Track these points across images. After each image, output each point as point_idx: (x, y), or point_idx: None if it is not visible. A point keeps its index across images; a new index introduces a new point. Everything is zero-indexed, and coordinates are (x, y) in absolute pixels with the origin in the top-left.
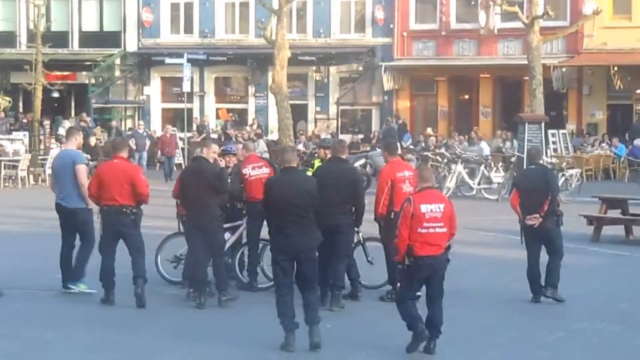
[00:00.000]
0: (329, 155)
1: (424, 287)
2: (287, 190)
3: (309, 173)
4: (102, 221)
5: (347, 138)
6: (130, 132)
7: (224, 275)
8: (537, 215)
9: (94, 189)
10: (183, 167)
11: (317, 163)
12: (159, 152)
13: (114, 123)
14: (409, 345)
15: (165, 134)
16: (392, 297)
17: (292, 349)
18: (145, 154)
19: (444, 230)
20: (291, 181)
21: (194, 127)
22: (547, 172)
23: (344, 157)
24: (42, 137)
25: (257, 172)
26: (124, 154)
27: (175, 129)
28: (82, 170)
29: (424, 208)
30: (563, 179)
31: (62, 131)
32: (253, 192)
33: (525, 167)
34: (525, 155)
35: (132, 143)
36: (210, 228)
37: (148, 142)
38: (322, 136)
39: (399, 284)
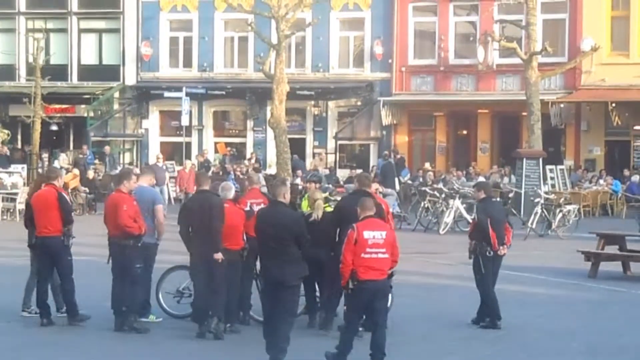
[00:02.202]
0: (315, 190)
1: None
2: (267, 223)
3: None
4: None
5: (345, 173)
6: (148, 167)
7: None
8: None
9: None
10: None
11: (304, 203)
12: (178, 189)
13: (107, 149)
14: None
15: (183, 170)
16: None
17: None
18: (165, 189)
19: (386, 256)
20: (272, 214)
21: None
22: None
23: (369, 190)
24: (40, 170)
25: (255, 208)
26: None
27: (194, 163)
28: (161, 209)
29: (366, 234)
30: (561, 214)
31: (56, 164)
32: (248, 228)
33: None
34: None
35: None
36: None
37: (167, 176)
38: (320, 170)
39: (345, 308)
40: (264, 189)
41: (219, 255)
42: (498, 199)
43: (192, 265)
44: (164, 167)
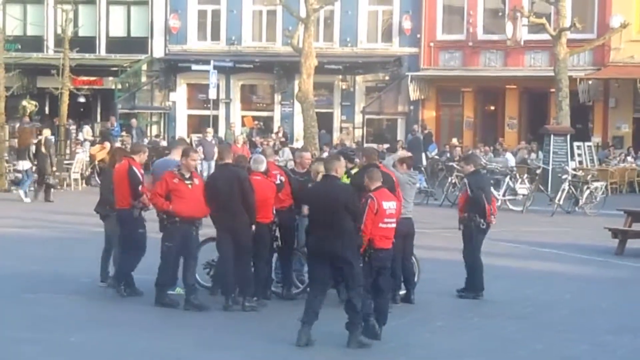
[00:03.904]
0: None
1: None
2: (319, 197)
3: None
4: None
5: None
6: (198, 140)
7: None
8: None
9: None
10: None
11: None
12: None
13: (134, 122)
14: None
15: (235, 144)
16: None
17: (301, 342)
18: (213, 164)
19: (394, 225)
20: (325, 188)
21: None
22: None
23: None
24: (68, 142)
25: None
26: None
27: (246, 139)
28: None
29: (385, 205)
30: (588, 191)
31: (80, 136)
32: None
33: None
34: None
35: (200, 152)
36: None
37: (217, 151)
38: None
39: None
40: (291, 163)
41: (252, 229)
42: (485, 172)
43: (218, 238)
44: (214, 142)
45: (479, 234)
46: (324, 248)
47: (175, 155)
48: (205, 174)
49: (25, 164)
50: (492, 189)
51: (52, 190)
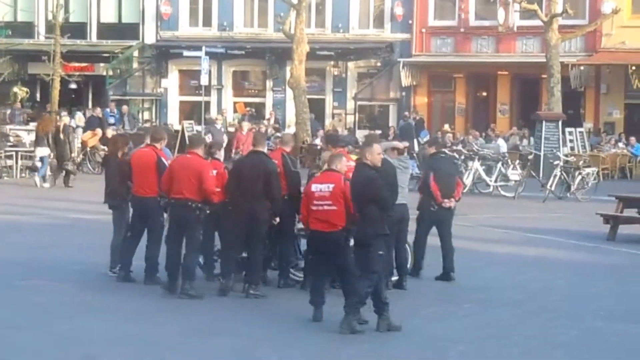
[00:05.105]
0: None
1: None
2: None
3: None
4: (169, 214)
5: (364, 134)
6: (206, 127)
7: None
8: (453, 199)
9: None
10: None
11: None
12: (233, 150)
13: (125, 108)
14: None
15: (240, 131)
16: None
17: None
18: (222, 152)
19: (334, 208)
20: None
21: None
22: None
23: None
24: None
25: None
26: (200, 150)
27: (253, 126)
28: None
29: (314, 187)
30: (580, 177)
31: (73, 123)
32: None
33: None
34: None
35: (208, 139)
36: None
37: (226, 139)
38: (339, 131)
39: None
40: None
41: (277, 220)
42: (449, 155)
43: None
44: (222, 129)
45: (429, 216)
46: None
47: (147, 140)
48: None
49: (44, 151)
50: (456, 172)
51: (71, 176)
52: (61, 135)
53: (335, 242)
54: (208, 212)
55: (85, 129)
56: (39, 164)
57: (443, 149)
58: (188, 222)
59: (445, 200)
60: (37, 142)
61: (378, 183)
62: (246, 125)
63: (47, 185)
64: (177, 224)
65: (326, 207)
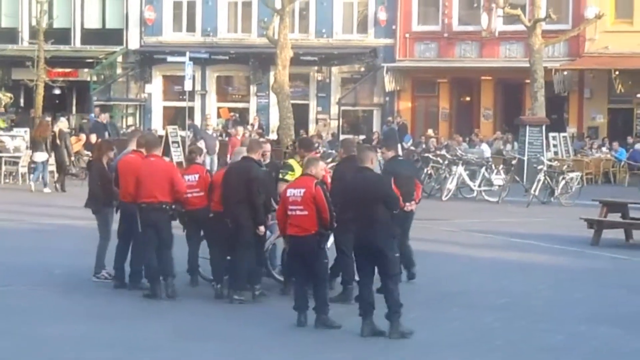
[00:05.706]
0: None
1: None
2: (354, 189)
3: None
4: (141, 218)
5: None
6: (194, 132)
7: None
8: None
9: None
10: None
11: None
12: (229, 157)
13: (103, 117)
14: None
15: (235, 137)
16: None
17: (365, 333)
18: (215, 158)
19: (305, 213)
20: (359, 179)
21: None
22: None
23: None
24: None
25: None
26: (158, 152)
27: (248, 130)
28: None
29: (289, 192)
30: (563, 182)
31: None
32: None
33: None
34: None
35: (201, 145)
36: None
37: (218, 145)
38: (324, 137)
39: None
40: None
41: (262, 229)
42: (406, 158)
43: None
44: (215, 135)
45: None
46: (362, 241)
47: (132, 146)
48: (207, 168)
49: (42, 156)
50: (416, 174)
51: (64, 180)
52: (58, 141)
53: (309, 246)
54: (179, 212)
55: (89, 135)
56: (40, 167)
57: (400, 152)
58: (162, 224)
59: (407, 204)
60: (35, 148)
61: (388, 181)
62: (242, 130)
63: (47, 190)
64: (153, 228)
65: (298, 212)
